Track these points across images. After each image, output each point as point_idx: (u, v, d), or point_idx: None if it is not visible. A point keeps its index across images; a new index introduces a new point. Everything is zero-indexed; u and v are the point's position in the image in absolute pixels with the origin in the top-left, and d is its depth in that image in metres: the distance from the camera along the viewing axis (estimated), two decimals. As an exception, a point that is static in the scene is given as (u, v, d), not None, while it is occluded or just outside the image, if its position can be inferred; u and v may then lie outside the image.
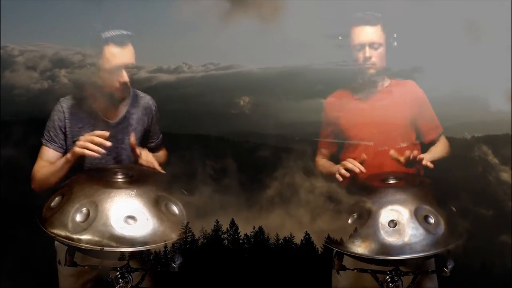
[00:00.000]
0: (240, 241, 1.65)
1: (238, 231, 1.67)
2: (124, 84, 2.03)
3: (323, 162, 2.35)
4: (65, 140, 2.10)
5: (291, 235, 1.67)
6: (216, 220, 1.65)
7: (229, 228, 1.66)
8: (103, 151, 1.88)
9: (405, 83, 2.28)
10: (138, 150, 2.05)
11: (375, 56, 2.13)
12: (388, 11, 2.15)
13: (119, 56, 1.99)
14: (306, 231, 1.70)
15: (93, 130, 2.02)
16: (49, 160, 2.08)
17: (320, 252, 1.70)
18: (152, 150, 2.27)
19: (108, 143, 1.90)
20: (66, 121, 2.10)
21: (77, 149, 1.89)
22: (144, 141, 2.26)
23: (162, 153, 2.41)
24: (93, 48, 2.02)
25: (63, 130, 2.09)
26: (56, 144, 2.10)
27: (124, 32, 2.02)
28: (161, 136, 2.39)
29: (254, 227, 1.67)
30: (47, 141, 2.11)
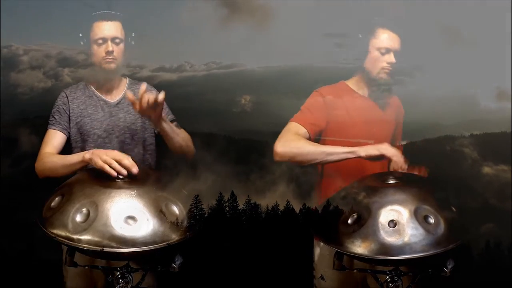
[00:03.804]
0: (239, 208, 1.92)
1: (237, 200, 1.92)
2: (110, 53, 2.17)
3: (304, 142, 2.06)
4: (69, 122, 2.24)
5: (276, 203, 1.95)
6: (220, 192, 1.88)
7: (229, 198, 1.90)
8: (125, 172, 1.79)
9: (393, 97, 2.36)
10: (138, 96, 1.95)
11: (394, 63, 2.19)
12: (386, 12, 2.16)
13: (104, 28, 2.19)
14: (287, 200, 1.85)
15: (95, 110, 2.26)
16: (54, 145, 2.20)
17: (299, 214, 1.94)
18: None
19: (135, 171, 1.79)
20: (70, 103, 2.26)
21: (99, 162, 1.83)
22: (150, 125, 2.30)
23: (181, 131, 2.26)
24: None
25: (67, 112, 2.25)
26: (61, 126, 2.24)
27: (112, 12, 2.23)
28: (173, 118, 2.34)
29: (248, 195, 1.93)
30: (53, 124, 2.24)
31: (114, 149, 2.12)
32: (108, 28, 2.19)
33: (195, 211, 1.73)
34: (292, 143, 2.06)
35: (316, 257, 2.29)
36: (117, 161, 1.80)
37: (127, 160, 1.81)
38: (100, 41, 2.19)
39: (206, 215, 1.76)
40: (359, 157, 1.98)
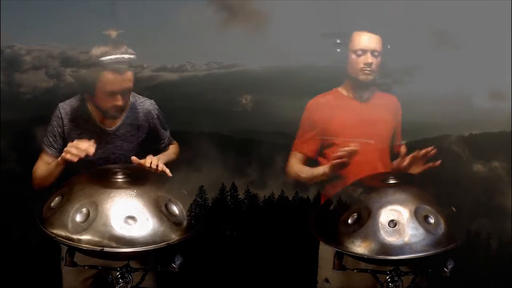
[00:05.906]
0: (239, 198, 1.95)
1: (237, 190, 1.93)
2: (118, 107, 2.08)
3: (300, 167, 2.31)
4: (64, 145, 2.11)
5: (272, 193, 1.96)
6: (222, 183, 1.86)
7: (231, 188, 1.90)
8: (82, 155, 1.90)
9: (390, 96, 2.40)
10: (144, 161, 2.00)
11: (374, 64, 2.20)
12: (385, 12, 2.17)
13: (115, 83, 2.01)
14: (282, 189, 1.99)
15: (91, 137, 2.04)
16: (47, 163, 2.14)
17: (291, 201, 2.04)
18: (162, 150, 2.35)
19: (92, 151, 1.92)
20: (65, 127, 2.15)
21: (62, 154, 1.95)
22: (149, 145, 2.28)
23: (172, 148, 2.41)
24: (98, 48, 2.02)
25: (62, 135, 2.15)
26: (54, 150, 2.16)
27: (125, 57, 2.00)
28: (168, 135, 2.40)
29: (248, 185, 1.93)
30: (46, 145, 2.17)
31: None
32: (120, 83, 2.01)
33: (199, 200, 1.74)
34: (292, 169, 2.34)
35: (320, 260, 2.30)
36: (75, 147, 1.90)
37: (82, 144, 1.91)
38: (109, 94, 2.03)
39: (210, 205, 1.78)
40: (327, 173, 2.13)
